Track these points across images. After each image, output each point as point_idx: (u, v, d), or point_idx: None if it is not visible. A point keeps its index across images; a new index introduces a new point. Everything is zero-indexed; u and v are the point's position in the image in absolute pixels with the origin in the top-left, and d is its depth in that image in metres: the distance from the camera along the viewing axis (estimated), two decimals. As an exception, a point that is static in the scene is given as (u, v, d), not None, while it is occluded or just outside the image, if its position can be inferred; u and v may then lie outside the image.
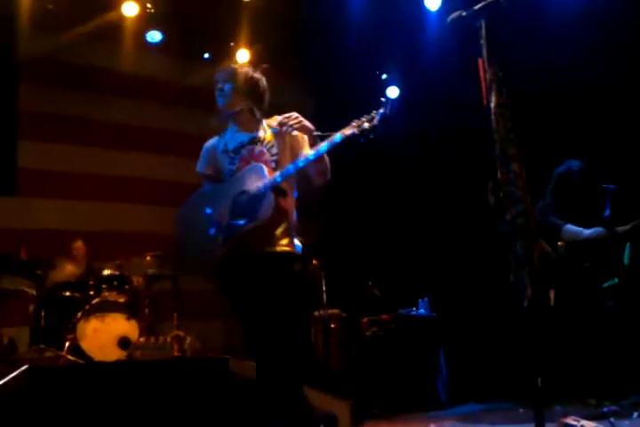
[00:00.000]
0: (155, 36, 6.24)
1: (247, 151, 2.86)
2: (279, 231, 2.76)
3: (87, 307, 4.68)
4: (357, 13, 5.85)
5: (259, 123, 2.92)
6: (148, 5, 5.95)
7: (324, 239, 6.82)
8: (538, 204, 4.25)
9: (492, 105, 2.03)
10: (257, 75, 2.99)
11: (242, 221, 2.69)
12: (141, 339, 4.70)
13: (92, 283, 4.93)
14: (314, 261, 5.76)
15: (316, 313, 5.50)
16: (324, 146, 2.63)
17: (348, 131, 2.55)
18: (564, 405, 3.85)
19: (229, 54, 6.41)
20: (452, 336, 5.48)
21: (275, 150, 2.84)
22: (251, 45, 6.36)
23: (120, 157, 6.34)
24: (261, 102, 2.94)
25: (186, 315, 5.12)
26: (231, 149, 2.90)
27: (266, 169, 2.73)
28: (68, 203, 5.96)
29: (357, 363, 5.28)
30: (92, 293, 4.85)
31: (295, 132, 2.83)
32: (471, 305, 5.67)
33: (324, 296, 5.36)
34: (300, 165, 2.68)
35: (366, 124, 2.52)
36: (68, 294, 4.85)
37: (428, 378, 5.16)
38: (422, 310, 5.47)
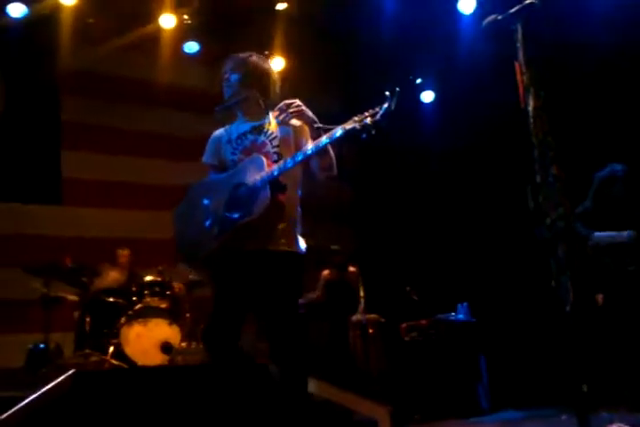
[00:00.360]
0: (192, 46, 6.35)
1: (249, 142, 2.76)
2: (278, 229, 2.64)
3: (130, 312, 4.78)
4: (390, 19, 5.84)
5: (264, 113, 2.81)
6: (185, 17, 6.06)
7: (362, 245, 6.83)
8: (577, 208, 4.19)
9: (530, 108, 2.01)
10: (266, 64, 2.90)
11: (236, 215, 2.57)
12: (183, 344, 4.77)
13: (134, 289, 5.02)
14: (351, 268, 5.78)
15: (355, 318, 5.51)
16: (324, 140, 2.51)
17: (349, 125, 2.43)
18: (610, 411, 3.77)
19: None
20: (493, 342, 5.41)
21: (276, 142, 2.73)
22: (285, 54, 6.42)
23: (160, 166, 6.46)
24: (268, 92, 2.82)
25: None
26: (234, 138, 2.80)
27: (265, 161, 2.60)
28: (111, 211, 6.10)
29: (397, 368, 5.27)
30: (134, 299, 4.94)
31: (297, 122, 2.72)
32: (511, 310, 5.60)
33: (363, 302, 5.36)
34: (299, 159, 2.55)
35: (368, 120, 2.41)
36: (111, 299, 4.96)
37: (468, 384, 5.10)
38: (461, 315, 5.42)
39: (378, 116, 2.40)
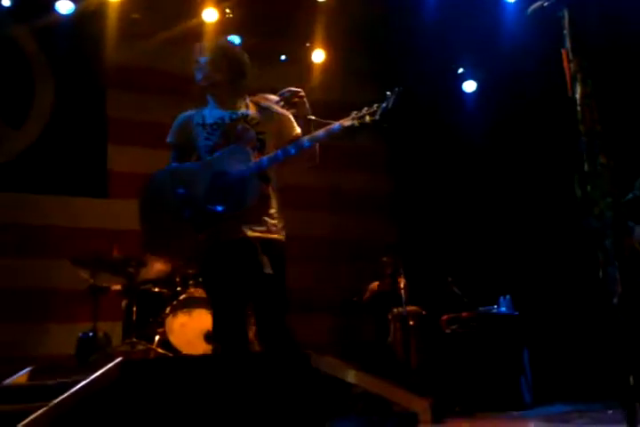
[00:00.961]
0: (234, 40, 6.39)
1: (228, 127, 2.69)
2: (265, 217, 2.65)
3: (175, 303, 4.84)
4: (432, 7, 5.77)
5: (241, 98, 2.76)
6: (227, 10, 6.11)
7: (402, 237, 6.80)
8: (626, 197, 4.09)
9: (577, 96, 1.98)
10: (237, 48, 2.87)
11: (221, 206, 2.54)
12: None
13: (178, 280, 5.08)
14: (384, 258, 5.75)
15: (395, 310, 5.50)
16: (320, 134, 2.49)
17: (347, 122, 2.42)
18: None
19: (305, 55, 6.51)
20: (536, 335, 5.34)
21: (260, 128, 2.68)
22: (326, 45, 6.41)
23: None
24: (242, 76, 2.78)
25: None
26: (209, 123, 2.72)
27: (250, 152, 2.57)
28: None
29: (437, 361, 5.25)
30: (179, 289, 5.00)
31: (283, 111, 2.68)
32: (556, 302, 5.51)
33: (404, 294, 5.34)
34: (293, 152, 2.51)
35: (367, 118, 2.39)
36: (157, 290, 5.03)
37: (510, 377, 5.05)
38: (504, 308, 5.37)
39: (377, 116, 2.37)
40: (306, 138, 2.57)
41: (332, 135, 2.47)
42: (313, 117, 2.67)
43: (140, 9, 5.94)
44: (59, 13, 5.68)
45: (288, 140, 2.67)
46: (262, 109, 2.73)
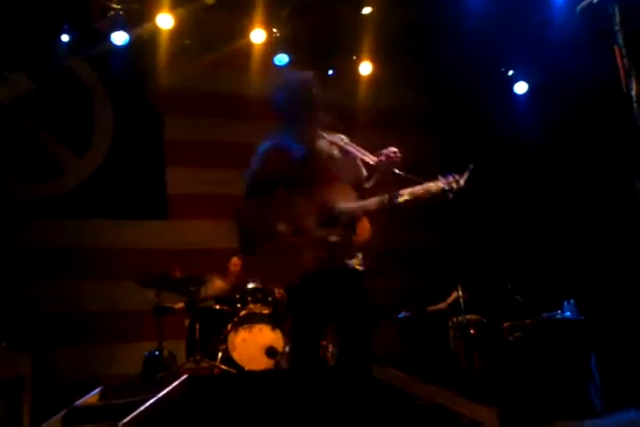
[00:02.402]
0: (282, 58, 6.48)
1: (314, 162, 2.82)
2: (356, 252, 2.86)
3: (236, 319, 4.91)
4: (477, 8, 5.68)
5: (319, 134, 2.90)
6: (274, 30, 6.21)
7: (460, 244, 6.71)
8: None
9: (633, 93, 1.94)
10: (307, 77, 2.94)
11: (334, 237, 2.74)
12: (287, 348, 4.86)
13: (238, 296, 5.16)
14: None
15: (455, 319, 5.43)
16: (418, 191, 2.70)
17: (442, 184, 2.66)
18: None
19: (353, 68, 6.55)
20: (604, 340, 5.18)
21: (338, 166, 2.84)
22: (372, 57, 6.43)
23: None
24: (311, 107, 2.88)
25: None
26: (298, 157, 2.84)
27: (353, 193, 2.78)
28: (213, 222, 6.30)
29: (502, 369, 5.14)
30: (239, 306, 5.08)
31: (354, 154, 2.83)
32: (621, 305, 5.34)
33: (463, 302, 5.27)
34: (397, 201, 2.71)
35: (454, 186, 2.64)
36: (218, 307, 5.13)
37: (579, 385, 4.90)
38: (568, 313, 5.23)
39: (462, 183, 2.65)
40: (406, 191, 2.77)
41: (428, 193, 2.72)
42: (401, 173, 2.82)
43: (190, 34, 6.12)
44: (114, 44, 5.91)
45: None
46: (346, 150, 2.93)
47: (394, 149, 2.84)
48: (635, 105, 1.95)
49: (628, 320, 5.28)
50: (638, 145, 1.94)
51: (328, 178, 2.82)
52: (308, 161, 2.85)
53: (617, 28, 1.97)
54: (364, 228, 2.83)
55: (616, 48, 1.97)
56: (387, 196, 2.75)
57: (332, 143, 2.90)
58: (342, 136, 2.95)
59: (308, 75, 2.94)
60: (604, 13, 2.01)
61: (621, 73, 1.97)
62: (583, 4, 2.09)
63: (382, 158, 2.79)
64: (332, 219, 2.77)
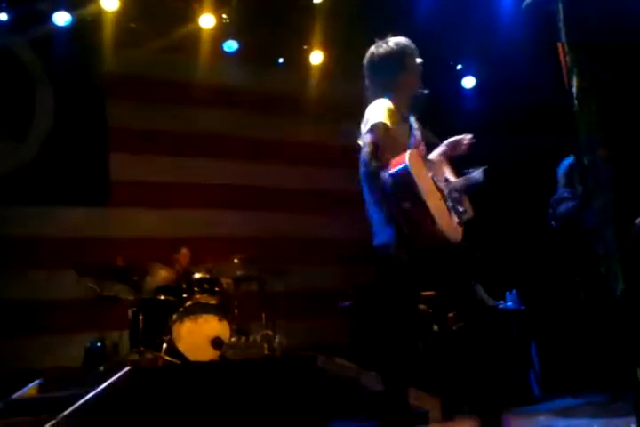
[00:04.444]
0: (231, 45, 6.38)
1: (415, 137, 2.85)
2: None
3: (181, 310, 4.85)
4: (427, 4, 5.72)
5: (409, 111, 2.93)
6: (224, 16, 6.10)
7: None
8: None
9: (575, 89, 1.98)
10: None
11: (462, 209, 2.83)
12: (233, 339, 4.82)
13: (184, 286, 5.08)
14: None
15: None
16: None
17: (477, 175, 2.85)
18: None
19: (303, 58, 6.51)
20: (544, 329, 5.33)
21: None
22: (323, 47, 6.39)
23: (204, 165, 6.52)
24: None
25: (272, 315, 5.22)
26: (410, 126, 2.85)
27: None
28: (158, 211, 6.20)
29: (445, 358, 5.23)
30: (184, 296, 5.00)
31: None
32: (561, 296, 5.50)
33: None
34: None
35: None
36: (162, 297, 5.04)
37: (519, 372, 5.04)
38: (510, 303, 5.36)
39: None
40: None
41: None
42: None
43: (136, 17, 5.93)
44: (56, 25, 5.70)
45: None
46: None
47: (469, 135, 2.93)
48: (575, 102, 1.98)
49: (565, 310, 5.45)
50: (578, 142, 1.97)
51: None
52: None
53: (560, 25, 2.00)
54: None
55: (559, 44, 2.00)
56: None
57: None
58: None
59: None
60: (548, 10, 2.04)
61: (564, 70, 2.00)
62: (529, 0, 2.12)
63: (457, 139, 2.91)
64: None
